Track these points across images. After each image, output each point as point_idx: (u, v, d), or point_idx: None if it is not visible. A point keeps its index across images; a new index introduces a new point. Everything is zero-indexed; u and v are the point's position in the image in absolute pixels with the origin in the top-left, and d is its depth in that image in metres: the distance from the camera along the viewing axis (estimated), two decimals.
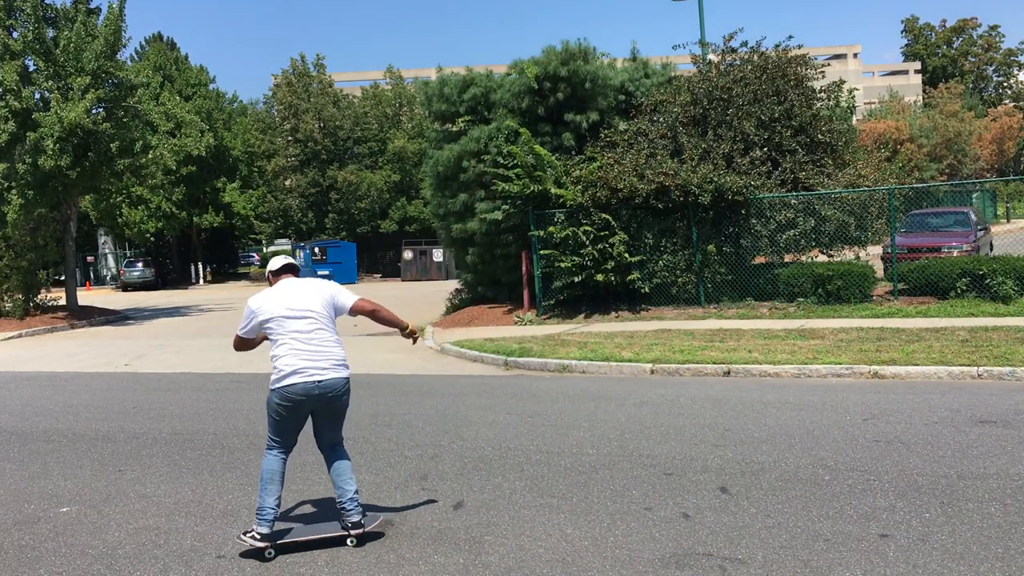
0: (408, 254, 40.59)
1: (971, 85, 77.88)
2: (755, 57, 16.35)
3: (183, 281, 48.18)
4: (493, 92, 17.36)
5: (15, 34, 20.88)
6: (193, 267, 48.71)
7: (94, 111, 20.48)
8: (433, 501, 5.46)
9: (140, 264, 43.49)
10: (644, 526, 4.82)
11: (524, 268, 16.18)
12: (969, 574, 4.00)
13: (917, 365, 9.03)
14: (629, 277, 14.78)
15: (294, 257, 42.79)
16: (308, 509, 5.45)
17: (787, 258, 15.50)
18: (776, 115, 15.27)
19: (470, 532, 4.86)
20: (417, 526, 5.01)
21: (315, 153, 44.36)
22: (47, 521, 5.45)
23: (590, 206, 14.95)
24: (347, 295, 4.92)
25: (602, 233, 14.72)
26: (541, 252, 15.52)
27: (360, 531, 4.75)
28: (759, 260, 15.67)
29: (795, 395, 8.34)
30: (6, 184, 20.26)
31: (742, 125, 15.20)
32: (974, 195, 33.50)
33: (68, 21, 20.97)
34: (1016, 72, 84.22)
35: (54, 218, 22.45)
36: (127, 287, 42.60)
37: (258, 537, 4.61)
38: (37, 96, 20.65)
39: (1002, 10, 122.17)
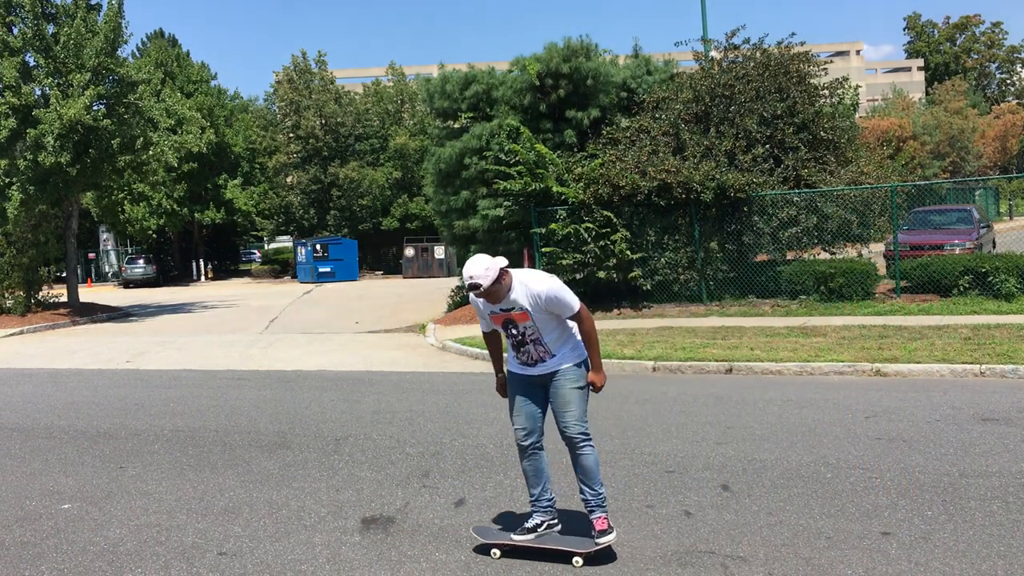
0: (410, 251, 40.53)
1: (974, 82, 77.71)
2: (758, 54, 16.33)
3: (185, 278, 48.18)
4: (495, 89, 17.34)
5: (15, 30, 20.87)
6: (195, 264, 48.69)
7: (95, 108, 20.46)
8: (435, 498, 5.45)
9: (142, 261, 43.49)
10: (646, 524, 4.81)
11: (526, 265, 16.17)
12: (971, 572, 3.99)
13: (919, 363, 9.02)
14: (631, 274, 14.77)
15: (296, 254, 42.84)
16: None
17: (789, 255, 15.48)
18: (778, 112, 15.24)
19: (472, 529, 4.85)
20: (419, 523, 5.00)
21: (316, 150, 44.32)
22: (48, 518, 5.45)
23: (592, 203, 14.93)
24: None
25: (604, 230, 14.71)
26: (543, 249, 15.51)
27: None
28: (761, 257, 15.65)
29: (797, 392, 8.33)
30: (7, 180, 20.25)
31: (744, 122, 15.17)
32: (977, 192, 33.47)
33: (68, 17, 20.94)
34: (1019, 69, 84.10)
35: (55, 215, 22.44)
36: (129, 284, 42.60)
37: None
38: (37, 92, 20.63)
39: (1005, 7, 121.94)
